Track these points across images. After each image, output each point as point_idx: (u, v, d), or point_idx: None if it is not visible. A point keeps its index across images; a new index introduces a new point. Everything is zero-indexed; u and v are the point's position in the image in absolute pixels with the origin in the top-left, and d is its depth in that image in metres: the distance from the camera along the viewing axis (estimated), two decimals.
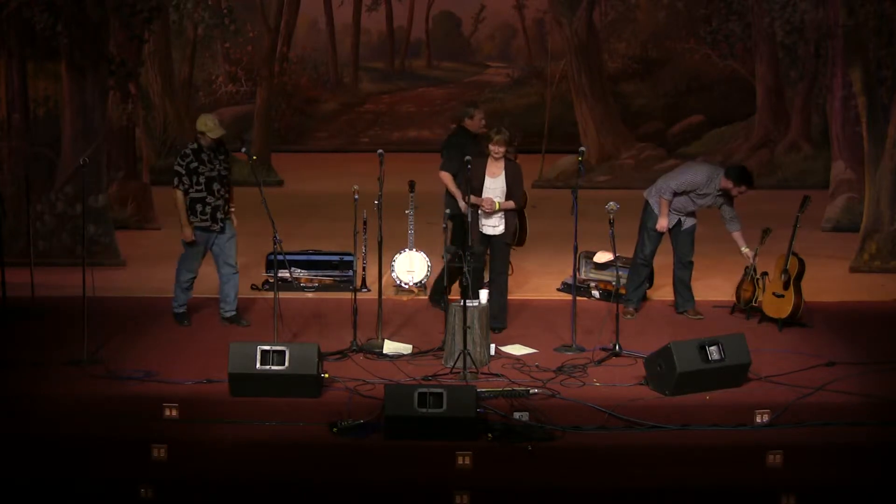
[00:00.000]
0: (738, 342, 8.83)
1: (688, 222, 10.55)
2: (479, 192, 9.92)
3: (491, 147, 9.91)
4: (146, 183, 14.42)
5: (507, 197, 10.00)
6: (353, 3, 19.64)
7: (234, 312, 10.23)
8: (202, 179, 9.92)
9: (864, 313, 10.88)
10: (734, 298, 10.71)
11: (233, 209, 10.10)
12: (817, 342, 9.87)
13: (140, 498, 7.67)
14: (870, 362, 9.26)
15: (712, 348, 8.69)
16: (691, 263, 10.62)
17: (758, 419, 8.36)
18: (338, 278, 11.56)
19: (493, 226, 10.03)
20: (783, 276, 10.18)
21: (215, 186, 9.96)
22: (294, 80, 19.49)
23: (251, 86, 18.58)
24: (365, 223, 10.89)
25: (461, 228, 10.28)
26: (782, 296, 10.19)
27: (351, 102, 19.93)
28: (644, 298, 10.93)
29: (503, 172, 9.97)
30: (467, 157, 9.93)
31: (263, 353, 8.51)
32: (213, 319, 10.44)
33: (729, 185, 10.30)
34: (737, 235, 10.52)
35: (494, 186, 9.95)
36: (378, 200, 9.83)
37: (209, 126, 9.88)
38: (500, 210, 9.96)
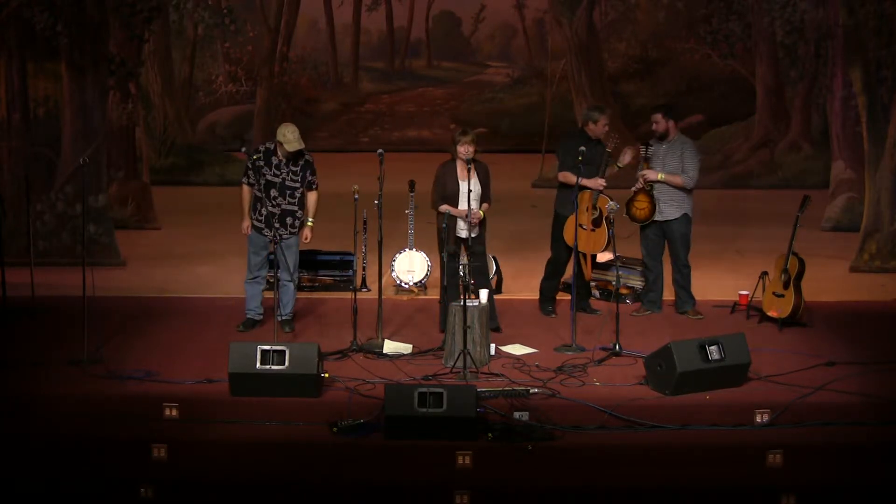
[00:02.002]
0: (738, 342, 8.83)
1: (667, 213, 10.42)
2: (455, 198, 9.82)
3: (460, 149, 9.83)
4: (146, 183, 14.42)
5: (482, 198, 9.98)
6: (353, 3, 19.64)
7: (283, 317, 10.00)
8: (263, 181, 9.81)
9: (864, 313, 10.87)
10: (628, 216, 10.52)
11: (310, 223, 9.95)
12: (817, 342, 9.87)
13: (140, 498, 7.66)
14: (870, 362, 9.25)
15: (712, 348, 8.69)
16: (686, 267, 10.52)
17: (758, 419, 8.36)
18: (338, 278, 11.55)
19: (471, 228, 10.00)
20: (783, 275, 10.17)
21: (273, 193, 9.83)
22: (294, 80, 19.48)
23: (251, 86, 18.60)
24: (365, 223, 10.89)
25: (560, 226, 10.40)
26: (782, 296, 10.19)
27: (351, 102, 19.93)
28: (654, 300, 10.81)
29: (474, 174, 9.91)
30: (442, 164, 9.91)
31: (263, 352, 8.51)
32: (213, 319, 10.44)
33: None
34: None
35: (471, 189, 9.87)
36: (378, 200, 9.82)
37: (287, 138, 9.72)
38: (483, 217, 9.97)
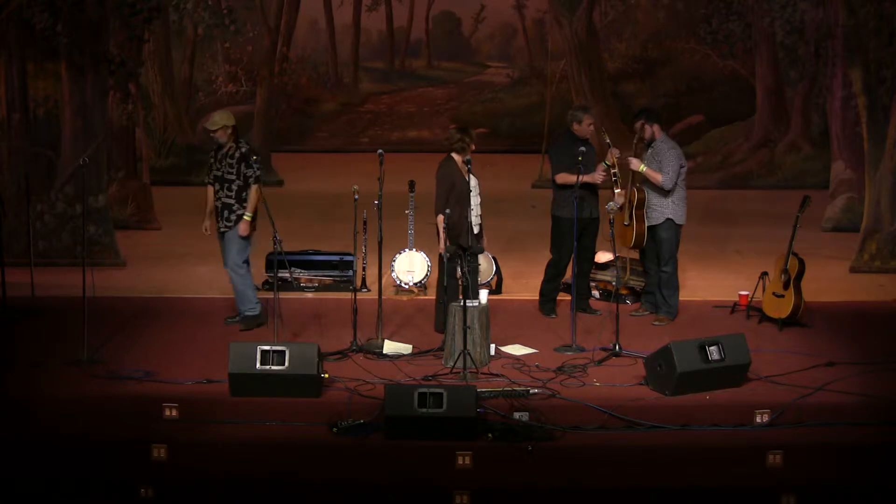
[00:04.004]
0: (738, 342, 8.83)
1: (653, 217, 10.32)
2: (466, 195, 9.81)
3: (472, 146, 9.89)
4: (146, 183, 14.42)
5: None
6: (353, 3, 19.62)
7: (235, 317, 10.21)
8: (211, 176, 10.03)
9: (864, 313, 10.87)
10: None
11: (246, 217, 9.93)
12: (817, 342, 9.87)
13: (140, 498, 7.67)
14: (870, 362, 9.25)
15: (712, 348, 8.69)
16: (666, 272, 10.37)
17: (758, 419, 8.36)
18: (338, 278, 11.56)
19: (477, 224, 10.01)
20: (783, 276, 10.17)
21: (216, 187, 10.00)
22: (294, 80, 19.46)
23: (251, 86, 18.57)
24: (365, 223, 10.89)
25: (559, 228, 10.40)
26: (782, 296, 10.19)
27: (351, 102, 19.91)
28: (651, 302, 10.77)
29: (469, 172, 9.92)
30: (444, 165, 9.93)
31: (263, 353, 8.51)
32: (213, 319, 10.44)
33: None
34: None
35: (474, 185, 9.90)
36: (378, 200, 9.82)
37: (209, 117, 10.03)
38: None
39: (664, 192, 10.21)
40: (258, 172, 9.95)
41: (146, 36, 14.43)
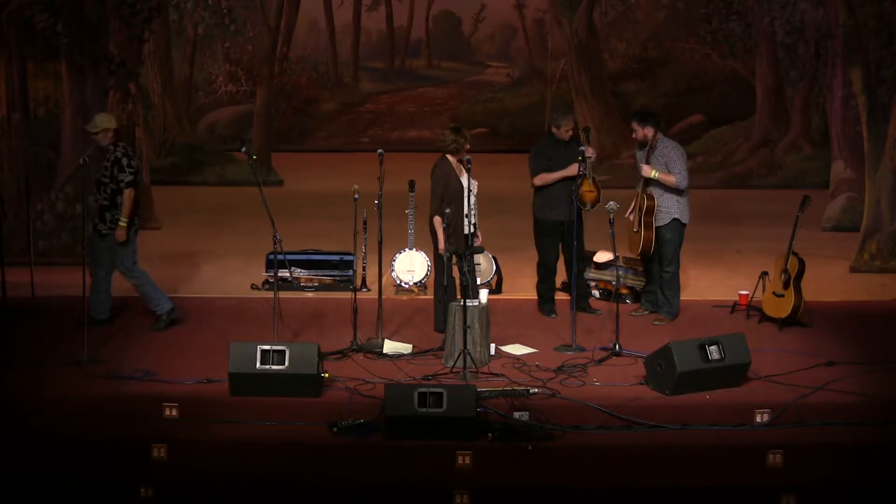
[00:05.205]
0: (738, 342, 8.83)
1: (660, 219, 10.27)
2: (460, 196, 9.82)
3: (467, 146, 9.92)
4: (146, 183, 14.39)
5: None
6: (353, 3, 19.63)
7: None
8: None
9: (864, 313, 10.87)
10: (581, 202, 10.38)
11: (121, 223, 9.82)
12: (817, 342, 9.87)
13: (140, 498, 7.67)
14: (870, 362, 9.25)
15: (712, 348, 8.69)
16: (668, 273, 10.36)
17: (758, 419, 8.36)
18: (338, 278, 11.56)
19: (471, 224, 10.04)
20: (783, 275, 10.17)
21: (95, 189, 9.96)
22: (294, 80, 19.47)
23: (251, 86, 18.58)
24: (365, 223, 10.89)
25: (538, 229, 10.51)
26: (782, 295, 10.18)
27: (351, 102, 19.92)
28: (651, 301, 10.76)
29: (466, 172, 9.93)
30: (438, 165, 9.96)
31: (263, 352, 8.51)
32: (212, 319, 10.44)
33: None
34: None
35: (470, 189, 9.92)
36: (378, 200, 9.83)
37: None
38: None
39: (675, 192, 10.20)
40: (131, 177, 9.83)
41: (146, 36, 14.43)
